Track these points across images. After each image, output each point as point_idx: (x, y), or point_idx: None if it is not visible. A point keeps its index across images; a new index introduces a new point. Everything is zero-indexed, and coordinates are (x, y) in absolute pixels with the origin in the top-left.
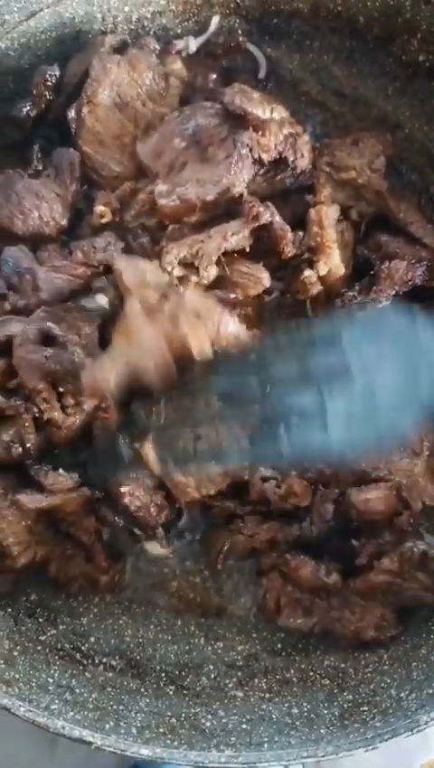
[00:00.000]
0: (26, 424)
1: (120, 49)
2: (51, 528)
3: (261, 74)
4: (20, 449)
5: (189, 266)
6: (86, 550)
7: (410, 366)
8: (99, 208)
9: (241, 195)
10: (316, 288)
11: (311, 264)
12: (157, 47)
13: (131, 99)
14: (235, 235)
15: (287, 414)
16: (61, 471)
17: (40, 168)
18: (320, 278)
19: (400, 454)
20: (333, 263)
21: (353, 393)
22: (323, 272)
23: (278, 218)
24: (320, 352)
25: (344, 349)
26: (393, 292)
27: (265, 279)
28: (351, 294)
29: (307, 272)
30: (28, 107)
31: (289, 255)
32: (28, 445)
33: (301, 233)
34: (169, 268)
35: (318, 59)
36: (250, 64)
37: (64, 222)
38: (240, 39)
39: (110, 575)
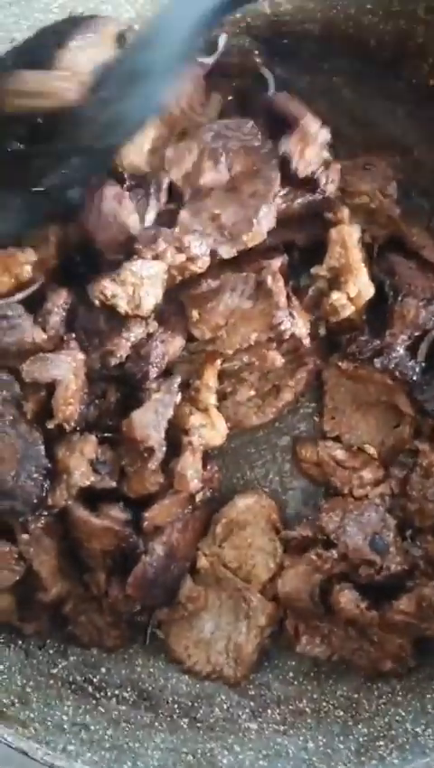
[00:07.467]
0: None
1: None
2: (74, 567)
3: (270, 95)
4: None
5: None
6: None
7: None
8: None
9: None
10: (349, 310)
11: (338, 286)
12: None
13: (170, 104)
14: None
15: None
16: (121, 505)
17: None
18: (350, 300)
19: None
20: (361, 282)
21: None
22: (353, 293)
23: (297, 330)
24: None
25: None
26: (406, 336)
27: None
28: (363, 339)
29: (336, 294)
30: None
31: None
32: None
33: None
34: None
35: (328, 80)
36: (258, 84)
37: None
38: (257, 60)
39: (113, 637)
